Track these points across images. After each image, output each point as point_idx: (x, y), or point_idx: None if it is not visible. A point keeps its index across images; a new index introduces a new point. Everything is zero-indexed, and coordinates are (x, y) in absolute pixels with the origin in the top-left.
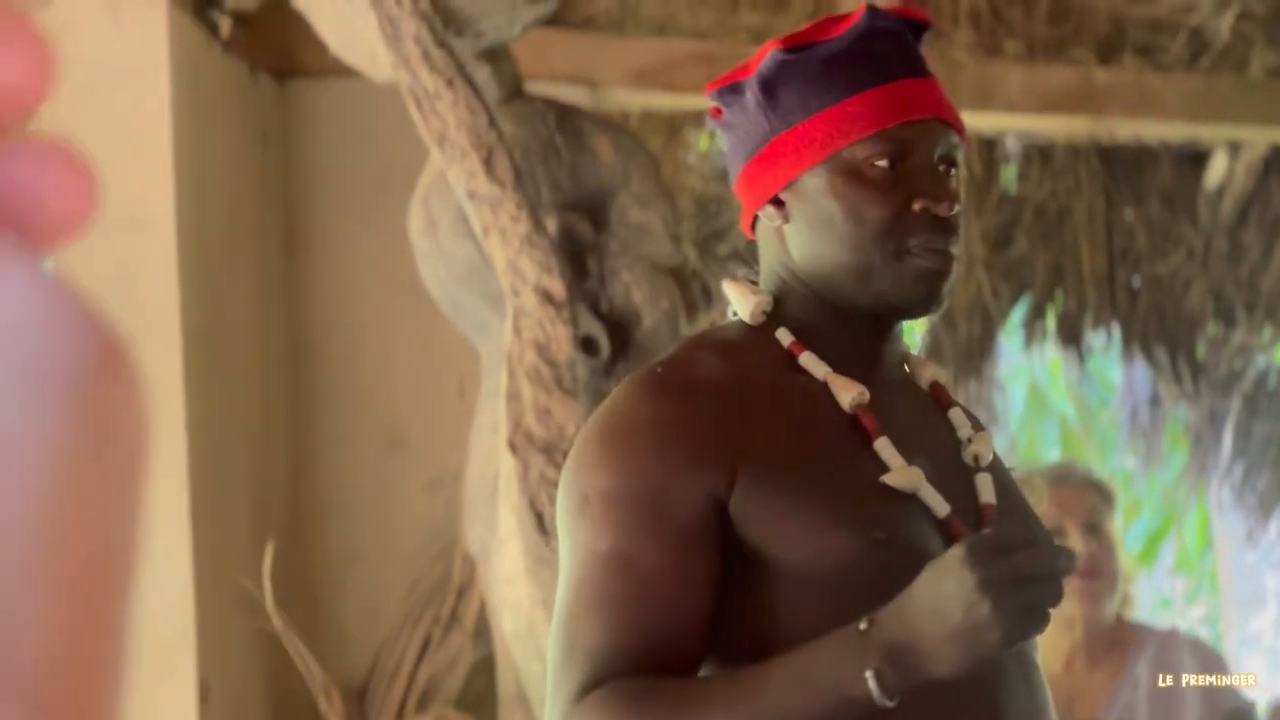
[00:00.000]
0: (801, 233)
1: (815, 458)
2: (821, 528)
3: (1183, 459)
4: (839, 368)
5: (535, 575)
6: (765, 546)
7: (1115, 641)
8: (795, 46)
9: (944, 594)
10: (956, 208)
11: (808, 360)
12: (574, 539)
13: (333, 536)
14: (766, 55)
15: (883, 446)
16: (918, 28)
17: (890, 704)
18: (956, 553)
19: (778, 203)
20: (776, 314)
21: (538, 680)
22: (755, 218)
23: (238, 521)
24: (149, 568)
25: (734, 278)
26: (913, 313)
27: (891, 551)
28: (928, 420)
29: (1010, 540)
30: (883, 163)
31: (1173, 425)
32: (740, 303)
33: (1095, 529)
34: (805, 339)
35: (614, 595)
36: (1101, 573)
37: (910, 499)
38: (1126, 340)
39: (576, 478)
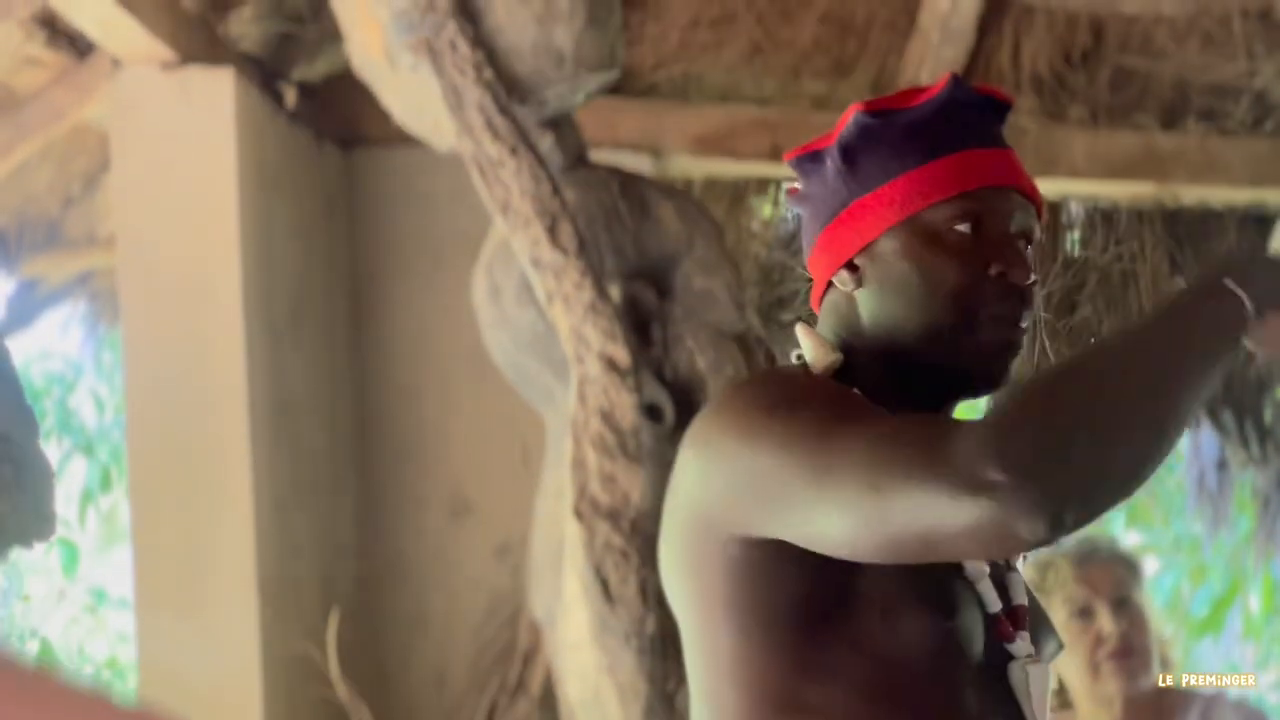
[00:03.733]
0: (874, 296)
1: None
2: (896, 600)
3: (1250, 524)
4: None
5: (600, 642)
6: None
7: (1158, 711)
8: (878, 112)
9: None
10: (1033, 278)
11: None
12: (758, 447)
13: (399, 604)
14: (849, 118)
15: None
16: (1000, 107)
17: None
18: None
19: (851, 267)
20: (842, 375)
21: None
22: (825, 289)
23: (304, 590)
24: (216, 637)
25: (808, 325)
26: (977, 385)
27: (954, 638)
28: None
29: None
30: (963, 227)
31: (1240, 490)
32: (812, 352)
33: (1125, 603)
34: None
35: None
36: (1135, 649)
37: (968, 586)
38: None
39: (736, 439)
